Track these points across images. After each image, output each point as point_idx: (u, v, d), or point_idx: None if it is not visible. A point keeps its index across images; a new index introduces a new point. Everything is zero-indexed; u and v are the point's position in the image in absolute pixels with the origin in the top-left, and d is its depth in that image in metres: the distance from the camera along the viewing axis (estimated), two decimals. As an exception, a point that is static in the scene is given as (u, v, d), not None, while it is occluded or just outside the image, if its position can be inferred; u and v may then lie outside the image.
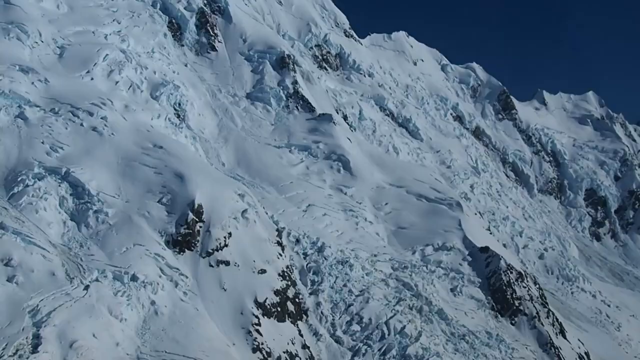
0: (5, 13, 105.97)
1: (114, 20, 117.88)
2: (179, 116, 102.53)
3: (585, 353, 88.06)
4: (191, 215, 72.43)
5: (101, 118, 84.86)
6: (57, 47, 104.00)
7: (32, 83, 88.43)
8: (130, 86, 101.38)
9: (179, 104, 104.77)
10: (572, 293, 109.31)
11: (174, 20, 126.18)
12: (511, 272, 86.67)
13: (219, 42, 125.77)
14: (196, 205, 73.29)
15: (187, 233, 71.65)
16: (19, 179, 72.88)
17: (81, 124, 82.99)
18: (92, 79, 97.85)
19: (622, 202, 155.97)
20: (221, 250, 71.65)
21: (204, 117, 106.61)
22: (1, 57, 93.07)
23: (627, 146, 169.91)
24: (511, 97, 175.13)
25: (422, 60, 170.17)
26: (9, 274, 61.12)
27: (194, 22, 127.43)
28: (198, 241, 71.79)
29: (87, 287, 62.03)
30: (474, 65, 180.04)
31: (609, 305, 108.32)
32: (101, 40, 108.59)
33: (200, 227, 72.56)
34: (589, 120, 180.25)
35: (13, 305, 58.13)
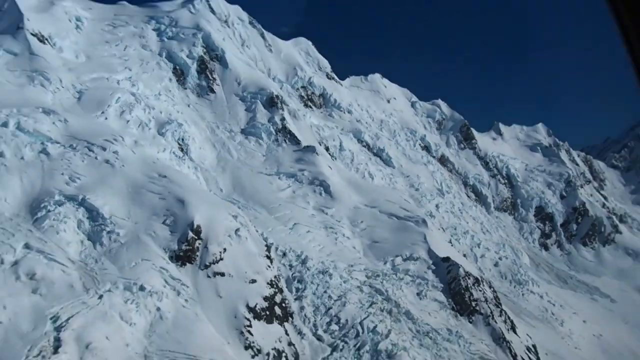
0: (30, 63, 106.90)
1: (125, 68, 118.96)
2: (182, 149, 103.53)
3: (533, 345, 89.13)
4: (191, 234, 73.45)
5: (113, 152, 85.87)
6: (76, 91, 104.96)
7: (54, 123, 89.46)
8: (140, 124, 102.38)
9: (182, 139, 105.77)
10: (522, 295, 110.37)
11: (177, 67, 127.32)
12: (469, 278, 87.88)
13: (216, 85, 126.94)
14: (195, 225, 74.31)
15: (187, 249, 72.63)
16: (42, 205, 73.88)
17: (96, 157, 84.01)
18: (106, 118, 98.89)
19: (566, 217, 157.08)
20: (217, 263, 72.66)
21: (204, 150, 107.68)
22: (27, 101, 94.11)
23: (571, 169, 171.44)
24: (471, 128, 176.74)
25: (395, 98, 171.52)
26: (34, 287, 62.06)
27: (195, 68, 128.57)
28: (197, 256, 72.78)
29: (101, 297, 62.95)
30: (439, 101, 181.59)
31: (554, 305, 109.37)
32: (114, 85, 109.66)
33: (199, 243, 73.57)
34: (538, 148, 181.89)
35: (37, 314, 59.03)
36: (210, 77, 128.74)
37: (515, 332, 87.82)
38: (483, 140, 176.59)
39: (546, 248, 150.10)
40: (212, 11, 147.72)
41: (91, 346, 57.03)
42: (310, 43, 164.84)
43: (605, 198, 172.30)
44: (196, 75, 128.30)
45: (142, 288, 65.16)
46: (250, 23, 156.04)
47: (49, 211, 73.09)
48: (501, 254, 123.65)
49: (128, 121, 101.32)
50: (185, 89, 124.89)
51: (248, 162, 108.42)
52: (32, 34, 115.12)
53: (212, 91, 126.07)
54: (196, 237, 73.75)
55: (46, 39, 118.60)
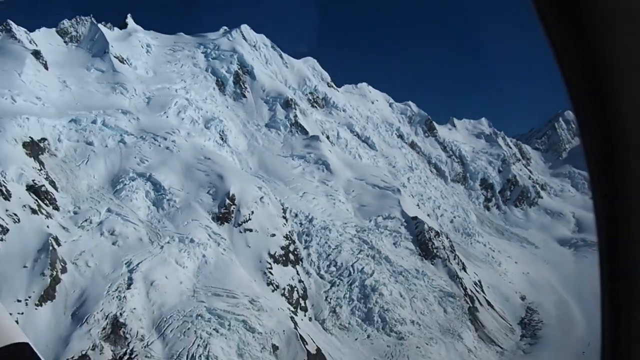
0: (113, 77, 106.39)
1: (181, 80, 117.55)
2: (222, 139, 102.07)
3: (479, 281, 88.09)
4: (228, 201, 72.53)
5: (172, 141, 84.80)
6: (146, 97, 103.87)
7: (129, 120, 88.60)
8: (191, 121, 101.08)
9: (222, 131, 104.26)
10: (471, 243, 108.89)
11: (219, 79, 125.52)
12: (431, 232, 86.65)
13: (247, 92, 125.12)
14: (231, 194, 73.38)
15: (225, 212, 71.73)
16: (120, 180, 73.36)
17: (159, 145, 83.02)
18: (167, 116, 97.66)
19: (503, 186, 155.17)
20: (247, 222, 71.79)
21: (238, 139, 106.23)
22: (110, 105, 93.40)
23: (505, 151, 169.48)
24: (433, 122, 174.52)
25: (377, 100, 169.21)
26: (113, 240, 61.55)
27: (232, 79, 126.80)
28: (232, 217, 71.89)
29: (162, 247, 62.32)
30: (410, 102, 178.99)
31: (493, 251, 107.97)
32: (173, 93, 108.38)
33: (234, 208, 72.65)
34: (482, 136, 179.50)
35: (115, 260, 58.44)
36: (243, 86, 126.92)
37: (465, 271, 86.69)
38: (442, 130, 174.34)
39: (488, 209, 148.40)
40: (245, 39, 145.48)
41: (154, 283, 56.47)
42: (315, 61, 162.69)
43: (530, 172, 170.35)
44: (232, 85, 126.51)
45: (192, 240, 64.37)
46: (272, 47, 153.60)
47: (124, 185, 72.50)
48: (455, 214, 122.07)
49: (183, 119, 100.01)
50: (225, 95, 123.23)
51: (270, 147, 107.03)
52: (114, 57, 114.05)
53: (244, 96, 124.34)
54: (231, 203, 72.75)
55: (125, 60, 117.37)
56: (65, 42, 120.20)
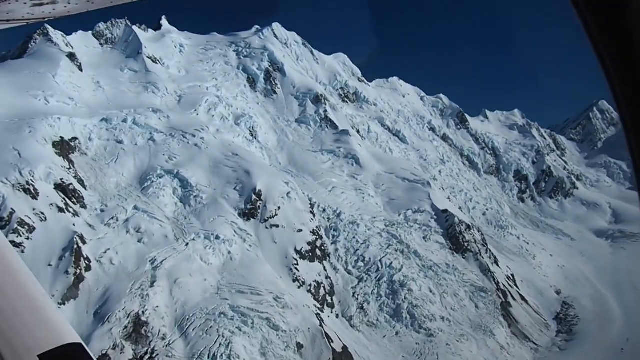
0: (146, 77, 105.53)
1: (213, 78, 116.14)
2: (252, 135, 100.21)
3: (512, 275, 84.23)
4: (254, 197, 70.56)
5: (200, 138, 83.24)
6: (177, 96, 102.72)
7: (159, 118, 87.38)
8: (221, 118, 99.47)
9: (252, 127, 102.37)
10: (504, 236, 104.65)
11: (250, 76, 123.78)
12: (462, 225, 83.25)
13: (278, 88, 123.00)
14: (257, 190, 71.36)
15: (251, 208, 69.79)
16: (148, 178, 72.12)
17: (188, 142, 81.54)
18: (197, 114, 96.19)
19: (537, 177, 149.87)
20: (273, 217, 69.67)
21: (268, 135, 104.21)
22: (142, 104, 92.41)
23: (539, 142, 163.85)
24: (465, 114, 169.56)
25: (409, 94, 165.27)
26: (139, 237, 60.19)
27: (263, 76, 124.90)
28: (259, 212, 69.86)
29: (187, 244, 60.73)
30: (441, 95, 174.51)
31: (527, 243, 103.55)
32: (204, 91, 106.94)
33: (260, 203, 70.61)
34: (515, 127, 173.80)
35: (139, 257, 57.01)
36: (273, 83, 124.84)
37: (498, 265, 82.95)
38: (474, 122, 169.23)
39: (522, 201, 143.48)
40: (276, 37, 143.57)
41: (178, 281, 54.83)
42: (346, 56, 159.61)
43: (565, 163, 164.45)
44: (263, 82, 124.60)
45: (217, 237, 62.55)
46: (303, 44, 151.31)
47: (152, 182, 71.20)
48: (488, 206, 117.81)
49: (213, 116, 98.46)
50: (256, 91, 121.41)
51: (300, 143, 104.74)
52: (147, 57, 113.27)
53: (275, 93, 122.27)
54: (258, 199, 70.70)
55: (158, 60, 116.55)
56: (100, 44, 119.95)
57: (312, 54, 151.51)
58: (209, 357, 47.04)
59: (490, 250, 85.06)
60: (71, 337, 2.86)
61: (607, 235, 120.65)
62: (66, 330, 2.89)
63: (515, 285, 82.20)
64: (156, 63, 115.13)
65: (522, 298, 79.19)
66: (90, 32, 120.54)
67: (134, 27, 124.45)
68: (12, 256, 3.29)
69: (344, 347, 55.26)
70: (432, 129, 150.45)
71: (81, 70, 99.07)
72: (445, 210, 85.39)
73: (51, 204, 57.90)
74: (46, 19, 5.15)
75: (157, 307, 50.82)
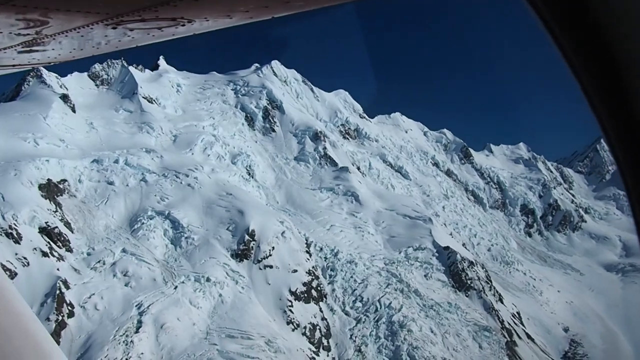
0: (141, 117, 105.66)
1: (210, 117, 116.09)
2: (249, 174, 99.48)
3: (518, 312, 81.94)
4: (247, 237, 69.25)
5: (194, 178, 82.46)
6: (173, 135, 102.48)
7: (152, 158, 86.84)
8: (217, 157, 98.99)
9: (250, 166, 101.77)
10: (509, 272, 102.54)
11: (248, 115, 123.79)
12: (464, 262, 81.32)
13: (276, 126, 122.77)
14: (250, 230, 70.08)
15: (244, 248, 68.41)
16: (138, 219, 71.15)
17: (181, 182, 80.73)
18: (192, 154, 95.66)
19: (544, 211, 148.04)
20: (267, 258, 68.20)
21: (266, 173, 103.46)
22: (135, 144, 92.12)
23: (546, 176, 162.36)
24: (469, 149, 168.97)
25: (411, 130, 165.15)
26: (126, 281, 58.93)
27: (261, 114, 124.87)
28: (252, 253, 68.45)
29: (176, 287, 59.39)
30: (445, 130, 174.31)
31: (534, 279, 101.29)
32: (200, 130, 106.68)
33: (253, 244, 69.24)
34: (520, 161, 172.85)
35: (126, 302, 55.61)
36: (272, 121, 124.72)
37: (502, 302, 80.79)
38: (478, 157, 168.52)
39: (529, 235, 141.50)
40: (275, 74, 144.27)
41: (165, 326, 53.26)
42: (347, 93, 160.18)
43: (573, 195, 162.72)
44: (262, 120, 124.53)
45: (208, 279, 61.19)
46: (303, 81, 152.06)
47: (142, 223, 70.18)
48: (493, 242, 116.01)
49: (209, 155, 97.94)
50: (254, 130, 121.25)
51: (298, 180, 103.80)
52: (143, 97, 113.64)
53: (273, 130, 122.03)
54: (251, 239, 69.38)
55: (154, 100, 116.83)
56: (96, 85, 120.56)
57: (312, 91, 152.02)
58: (194, 407, 45.14)
59: (494, 288, 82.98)
60: (59, 358, 2.85)
61: (617, 269, 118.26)
62: (54, 353, 2.88)
63: (521, 323, 79.87)
64: (152, 103, 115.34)
65: (528, 336, 76.77)
66: (85, 73, 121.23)
67: (130, 68, 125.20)
68: (6, 284, 3.25)
69: (340, 393, 53.21)
70: (436, 164, 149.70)
71: (74, 111, 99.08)
72: (447, 247, 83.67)
73: (34, 249, 56.80)
74: (37, 65, 4.97)
75: (142, 353, 49.16)
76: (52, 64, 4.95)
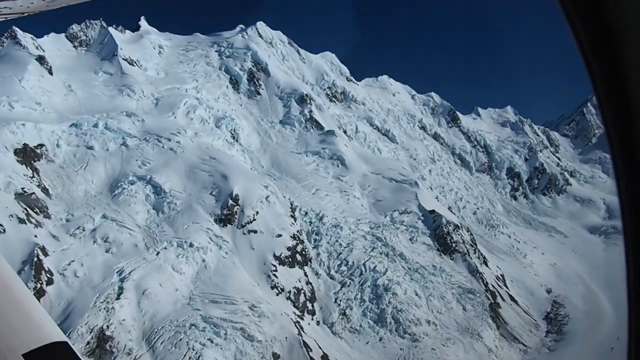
0: (122, 79, 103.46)
1: (193, 80, 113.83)
2: (234, 137, 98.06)
3: (501, 275, 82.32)
4: (231, 201, 68.41)
5: (176, 142, 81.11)
6: (154, 99, 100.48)
7: (133, 122, 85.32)
8: (201, 120, 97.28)
9: (234, 130, 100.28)
10: (494, 235, 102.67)
11: (232, 77, 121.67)
12: (450, 225, 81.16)
13: (262, 89, 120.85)
14: (234, 195, 69.24)
15: (228, 213, 67.66)
16: (119, 185, 69.96)
17: (163, 147, 79.41)
18: (175, 117, 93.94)
19: (530, 174, 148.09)
20: (251, 223, 67.53)
21: (251, 137, 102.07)
22: (115, 108, 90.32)
23: (532, 139, 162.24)
24: (457, 112, 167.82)
25: (399, 93, 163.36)
26: (107, 247, 58.12)
27: (246, 77, 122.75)
28: (236, 218, 67.76)
29: (158, 253, 58.70)
30: (432, 94, 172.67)
31: (519, 242, 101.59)
32: (183, 93, 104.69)
33: (237, 208, 68.47)
34: (507, 124, 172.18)
35: (107, 268, 54.89)
36: (257, 84, 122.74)
37: (487, 265, 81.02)
38: (466, 120, 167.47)
39: (515, 198, 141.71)
40: (260, 36, 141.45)
41: (147, 292, 52.68)
42: (334, 55, 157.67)
43: (559, 159, 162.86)
44: (246, 82, 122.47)
45: (191, 245, 60.45)
46: (289, 43, 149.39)
47: (123, 189, 69.06)
48: (479, 205, 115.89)
49: (192, 119, 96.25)
50: (239, 93, 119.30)
51: (284, 144, 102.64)
52: (123, 59, 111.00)
53: (258, 93, 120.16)
54: (235, 204, 68.59)
55: (135, 62, 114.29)
56: (74, 46, 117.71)
57: (299, 53, 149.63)
58: (177, 373, 44.85)
59: (479, 251, 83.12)
60: (56, 335, 2.82)
61: (600, 231, 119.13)
62: (51, 329, 2.85)
63: (505, 285, 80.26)
64: (133, 65, 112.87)
65: (512, 298, 77.25)
66: (63, 34, 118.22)
67: (110, 29, 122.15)
68: None
69: (324, 356, 53.23)
70: (423, 128, 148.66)
71: (51, 73, 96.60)
72: (433, 211, 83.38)
73: (11, 215, 55.61)
74: (9, 16, 4.79)
75: (124, 320, 48.64)
76: (25, 14, 4.74)
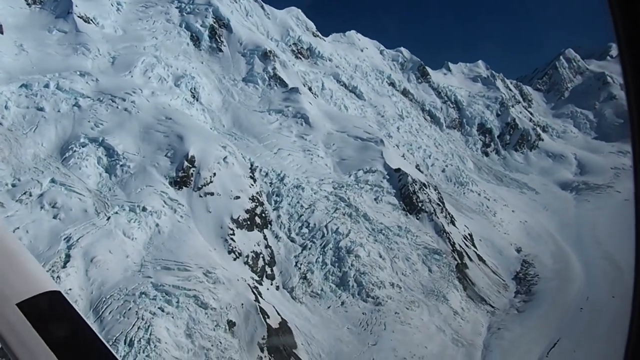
0: (76, 38, 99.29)
1: (152, 37, 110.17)
2: (194, 96, 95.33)
3: (469, 234, 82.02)
4: (186, 163, 66.55)
5: (131, 102, 78.38)
6: (111, 57, 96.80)
7: (87, 82, 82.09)
8: (159, 79, 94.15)
9: (194, 88, 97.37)
10: (464, 193, 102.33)
11: (193, 34, 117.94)
12: (416, 184, 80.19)
13: (224, 46, 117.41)
14: (190, 156, 67.32)
15: (183, 175, 65.80)
16: (69, 147, 67.49)
17: (117, 107, 76.68)
18: (132, 76, 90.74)
19: (501, 130, 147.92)
20: (208, 185, 65.81)
21: (212, 95, 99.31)
22: (69, 67, 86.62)
23: (504, 94, 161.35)
24: (427, 67, 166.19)
25: (367, 48, 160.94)
26: (54, 213, 56.04)
27: (207, 34, 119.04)
28: (192, 180, 65.95)
29: (108, 218, 56.84)
30: (402, 49, 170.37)
31: (489, 199, 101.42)
32: (141, 51, 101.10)
33: (193, 170, 66.61)
34: (479, 79, 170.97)
35: (53, 235, 52.94)
36: (219, 40, 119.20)
37: (454, 224, 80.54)
38: (436, 76, 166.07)
39: (487, 155, 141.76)
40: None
41: (95, 259, 50.99)
42: (300, 10, 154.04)
43: (531, 114, 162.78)
44: (208, 39, 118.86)
45: (144, 209, 58.70)
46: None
47: (74, 151, 66.61)
48: (448, 162, 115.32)
49: (149, 78, 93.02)
50: (200, 50, 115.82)
51: (246, 103, 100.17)
52: (79, 16, 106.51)
53: (220, 50, 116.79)
54: (190, 165, 66.70)
55: (91, 20, 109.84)
56: (28, 4, 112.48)
57: (263, 8, 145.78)
58: (125, 343, 43.58)
59: (446, 210, 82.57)
60: (49, 285, 2.88)
61: (572, 187, 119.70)
62: (44, 279, 2.90)
63: (473, 245, 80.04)
64: (89, 23, 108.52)
65: (480, 258, 77.07)
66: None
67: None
68: None
69: (282, 322, 52.39)
70: (392, 84, 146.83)
71: (2, 32, 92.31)
72: (399, 169, 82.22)
73: (-50, 181, 53.25)
74: None
75: (70, 289, 47.06)
76: None
